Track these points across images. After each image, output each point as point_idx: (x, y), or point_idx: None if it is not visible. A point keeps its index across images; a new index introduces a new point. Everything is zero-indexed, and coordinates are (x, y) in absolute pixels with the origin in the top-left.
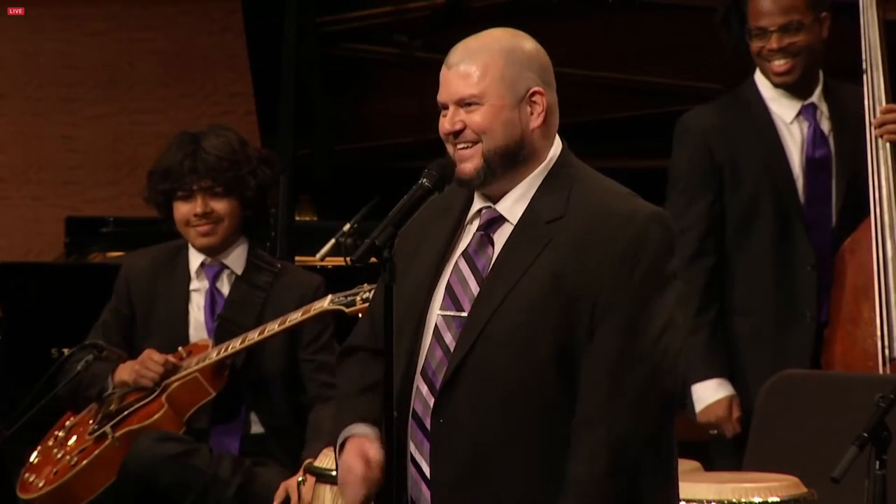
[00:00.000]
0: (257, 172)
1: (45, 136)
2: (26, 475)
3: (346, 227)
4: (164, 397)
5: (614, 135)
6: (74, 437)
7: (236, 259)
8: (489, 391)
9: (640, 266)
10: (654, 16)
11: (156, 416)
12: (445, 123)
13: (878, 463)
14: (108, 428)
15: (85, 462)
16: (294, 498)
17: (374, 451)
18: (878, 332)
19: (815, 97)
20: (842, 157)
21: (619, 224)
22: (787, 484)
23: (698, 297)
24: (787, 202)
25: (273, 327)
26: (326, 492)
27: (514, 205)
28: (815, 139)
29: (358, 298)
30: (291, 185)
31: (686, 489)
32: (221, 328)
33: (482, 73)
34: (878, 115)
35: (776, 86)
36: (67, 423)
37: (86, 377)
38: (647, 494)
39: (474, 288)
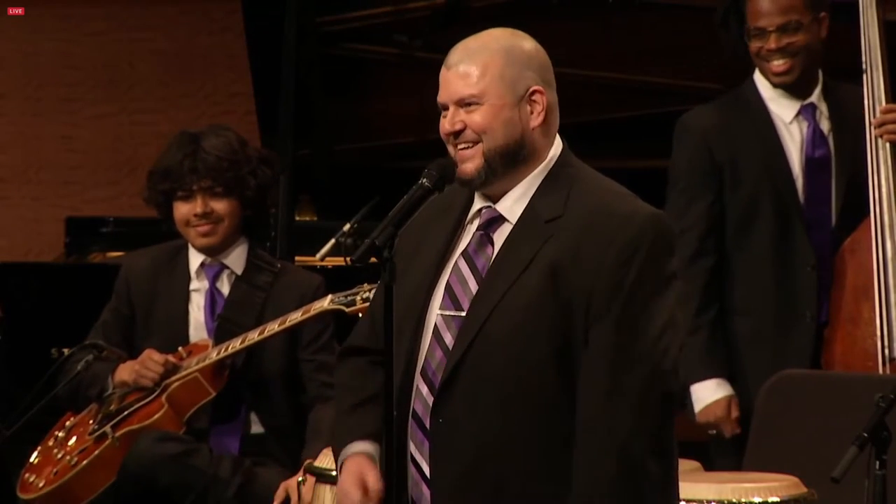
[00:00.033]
0: (257, 172)
1: (45, 136)
2: (26, 475)
3: (346, 227)
4: (164, 397)
5: (614, 135)
6: (74, 438)
7: (236, 259)
8: (488, 390)
9: (639, 266)
10: (654, 16)
11: (156, 416)
12: (446, 124)
13: (878, 463)
14: (108, 428)
15: (85, 462)
16: (294, 498)
17: (373, 480)
18: (878, 332)
19: (815, 97)
20: (841, 156)
21: (619, 224)
22: (787, 484)
23: (698, 297)
24: (787, 202)
25: (273, 327)
26: (326, 492)
27: (513, 204)
28: (815, 139)
29: (358, 298)
30: (291, 185)
31: (686, 489)
32: (221, 328)
33: (482, 73)
34: (877, 115)
35: (775, 86)
36: (67, 423)
37: (86, 377)
38: (649, 495)
39: (474, 287)
